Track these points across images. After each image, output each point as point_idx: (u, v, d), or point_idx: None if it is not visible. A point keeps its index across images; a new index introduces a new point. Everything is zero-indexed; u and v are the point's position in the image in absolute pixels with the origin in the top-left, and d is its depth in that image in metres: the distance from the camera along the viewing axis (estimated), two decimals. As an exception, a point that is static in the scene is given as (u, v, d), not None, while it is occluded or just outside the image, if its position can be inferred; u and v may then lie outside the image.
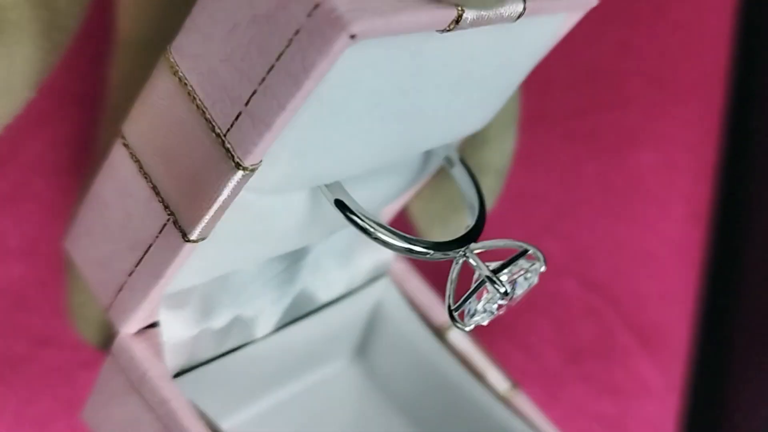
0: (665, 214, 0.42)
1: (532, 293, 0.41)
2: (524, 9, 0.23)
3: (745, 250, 0.45)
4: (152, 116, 0.22)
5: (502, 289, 0.24)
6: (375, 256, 0.33)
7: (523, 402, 0.33)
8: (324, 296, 0.32)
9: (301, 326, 0.31)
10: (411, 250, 0.24)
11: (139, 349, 0.26)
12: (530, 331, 0.41)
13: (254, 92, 0.20)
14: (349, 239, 0.32)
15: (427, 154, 0.30)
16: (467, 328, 0.25)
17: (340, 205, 0.24)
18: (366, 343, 0.35)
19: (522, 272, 0.25)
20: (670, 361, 0.42)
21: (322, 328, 0.32)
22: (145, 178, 0.23)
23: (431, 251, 0.25)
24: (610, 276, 0.42)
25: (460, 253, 0.25)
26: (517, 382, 0.34)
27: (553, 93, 0.43)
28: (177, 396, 0.26)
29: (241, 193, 0.22)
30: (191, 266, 0.25)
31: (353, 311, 0.33)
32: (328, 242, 0.31)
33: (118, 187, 0.24)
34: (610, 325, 0.41)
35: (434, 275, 0.36)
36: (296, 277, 0.30)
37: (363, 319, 0.34)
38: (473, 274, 0.25)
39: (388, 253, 0.33)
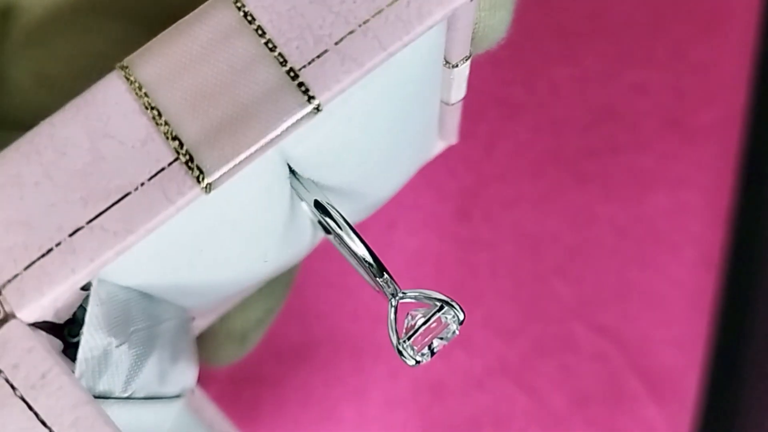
0: (677, 258, 0.42)
1: (540, 336, 0.41)
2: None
3: (757, 296, 0.45)
4: (186, 52, 0.22)
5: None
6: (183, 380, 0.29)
7: None
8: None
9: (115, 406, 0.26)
10: (371, 265, 0.24)
11: (41, 342, 0.21)
12: (536, 374, 0.40)
13: (351, 32, 0.22)
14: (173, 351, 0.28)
15: None
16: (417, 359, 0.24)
17: (318, 205, 0.25)
18: None
19: (437, 331, 0.24)
20: (678, 408, 0.41)
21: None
22: (150, 115, 0.22)
23: (386, 275, 0.25)
24: (619, 320, 0.41)
25: (398, 295, 0.24)
26: None
27: (566, 134, 0.42)
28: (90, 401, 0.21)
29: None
30: (139, 254, 0.23)
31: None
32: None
33: (93, 129, 0.22)
34: (617, 370, 0.41)
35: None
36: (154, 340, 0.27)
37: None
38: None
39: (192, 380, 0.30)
